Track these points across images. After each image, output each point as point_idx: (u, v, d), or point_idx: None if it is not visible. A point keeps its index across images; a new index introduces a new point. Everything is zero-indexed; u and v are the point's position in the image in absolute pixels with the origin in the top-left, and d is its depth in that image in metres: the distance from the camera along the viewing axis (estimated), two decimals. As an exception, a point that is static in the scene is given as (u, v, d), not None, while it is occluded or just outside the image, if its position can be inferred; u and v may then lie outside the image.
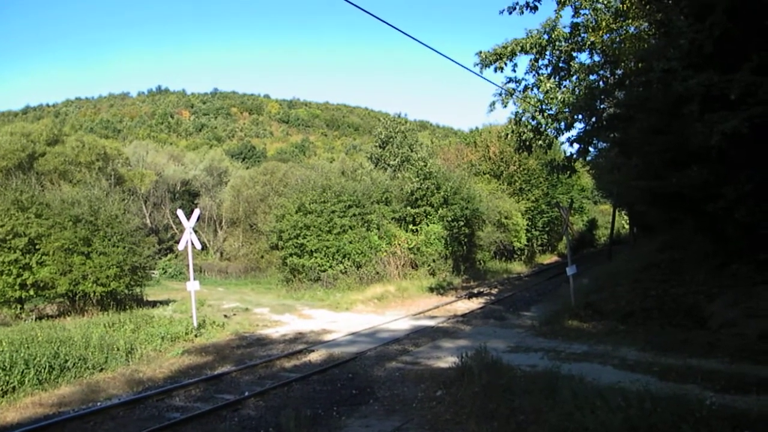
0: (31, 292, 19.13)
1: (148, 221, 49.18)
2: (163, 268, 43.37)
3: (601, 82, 16.71)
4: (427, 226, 29.96)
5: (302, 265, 27.64)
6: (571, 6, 16.37)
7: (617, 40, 15.80)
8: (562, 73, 17.45)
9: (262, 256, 44.19)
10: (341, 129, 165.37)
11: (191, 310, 16.48)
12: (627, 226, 50.21)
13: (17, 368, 10.52)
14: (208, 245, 51.50)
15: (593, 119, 16.91)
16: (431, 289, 25.65)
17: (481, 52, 17.30)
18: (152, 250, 22.93)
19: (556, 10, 16.69)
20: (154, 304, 21.53)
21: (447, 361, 11.10)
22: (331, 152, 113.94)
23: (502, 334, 14.41)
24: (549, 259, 47.62)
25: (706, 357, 10.15)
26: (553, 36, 16.81)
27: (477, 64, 17.34)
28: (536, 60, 17.55)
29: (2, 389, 10.08)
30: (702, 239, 16.30)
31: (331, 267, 27.25)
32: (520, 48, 17.13)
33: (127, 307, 19.51)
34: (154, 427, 8.02)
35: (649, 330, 12.89)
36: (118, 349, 12.73)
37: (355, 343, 14.37)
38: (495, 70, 17.38)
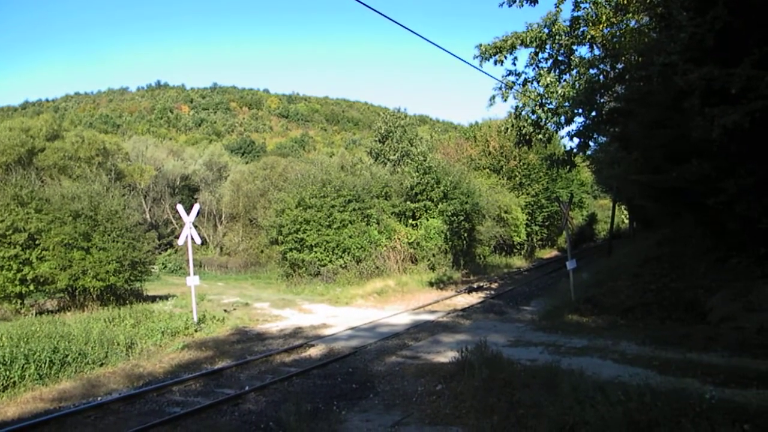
0: (31, 288, 19.14)
1: (147, 216, 49.17)
2: (162, 263, 43.41)
3: (601, 76, 16.68)
4: (427, 220, 29.96)
5: (302, 259, 27.64)
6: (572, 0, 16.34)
7: (618, 34, 15.77)
8: (562, 67, 17.42)
9: (262, 251, 44.14)
10: (341, 124, 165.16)
11: (191, 304, 16.49)
12: (627, 221, 50.23)
13: (17, 363, 10.54)
14: (207, 240, 51.51)
15: (593, 113, 16.89)
16: (431, 284, 25.67)
17: (481, 45, 17.26)
18: (152, 245, 22.92)
19: (556, 4, 16.68)
20: (154, 299, 21.54)
21: (447, 356, 11.10)
22: (330, 147, 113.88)
23: (502, 329, 14.42)
24: (549, 253, 47.64)
25: (706, 351, 10.16)
26: (553, 30, 16.77)
27: (476, 57, 17.30)
28: (536, 53, 17.52)
29: (3, 384, 10.10)
30: (702, 233, 16.29)
31: (330, 262, 27.25)
32: (520, 41, 17.10)
33: (127, 302, 19.52)
34: (154, 422, 8.03)
35: (649, 324, 12.90)
36: (118, 344, 12.74)
37: (355, 337, 14.38)
38: (495, 63, 17.36)
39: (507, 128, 19.99)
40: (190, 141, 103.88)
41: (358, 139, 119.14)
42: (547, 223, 45.51)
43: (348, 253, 27.34)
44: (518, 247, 42.33)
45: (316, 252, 27.33)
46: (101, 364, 11.75)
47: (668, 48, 11.59)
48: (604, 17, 15.68)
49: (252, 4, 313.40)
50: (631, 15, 15.34)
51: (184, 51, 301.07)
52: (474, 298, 21.89)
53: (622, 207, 46.07)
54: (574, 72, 17.21)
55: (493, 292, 23.96)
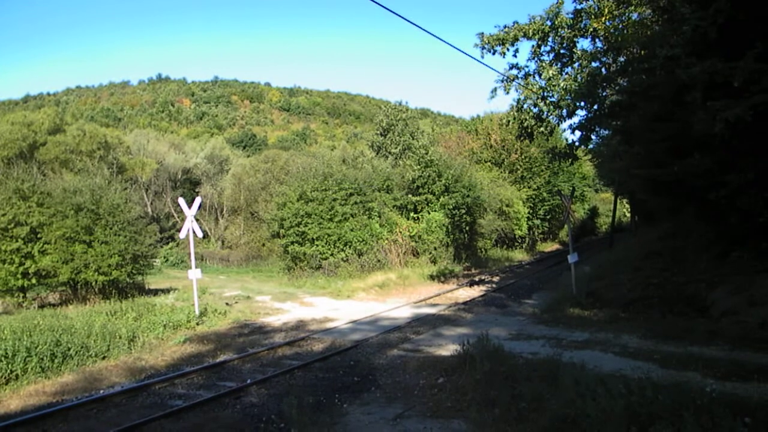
0: (34, 281, 19.17)
1: (149, 210, 49.22)
2: (164, 257, 43.40)
3: (603, 69, 16.60)
4: (429, 213, 29.95)
5: (304, 253, 27.66)
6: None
7: (620, 26, 15.69)
8: (565, 60, 17.34)
9: (264, 244, 44.23)
10: (342, 117, 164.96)
11: (193, 298, 16.51)
12: (628, 215, 50.21)
13: (20, 356, 10.56)
14: (209, 233, 51.59)
15: (595, 107, 16.81)
16: (432, 277, 25.66)
17: (483, 35, 17.12)
18: (154, 238, 22.90)
19: (558, -3, 16.57)
20: (155, 292, 21.57)
21: (448, 349, 11.11)
22: (332, 140, 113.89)
23: (503, 322, 14.44)
24: (550, 247, 47.60)
25: (707, 345, 10.17)
26: (555, 22, 16.69)
27: (477, 46, 17.17)
28: (538, 46, 17.43)
29: (5, 377, 10.13)
30: (703, 227, 16.27)
31: (332, 255, 27.27)
32: (522, 33, 17.01)
33: (129, 295, 19.54)
34: (156, 415, 8.05)
35: (650, 318, 12.91)
36: (120, 338, 12.76)
37: (357, 330, 14.40)
38: (495, 54, 17.25)
39: (509, 121, 19.92)
40: (191, 134, 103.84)
41: (360, 132, 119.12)
42: (548, 217, 45.47)
43: (349, 247, 27.35)
44: (520, 241, 42.35)
45: (317, 245, 27.35)
46: (103, 358, 11.78)
47: (671, 41, 11.54)
48: (606, 10, 15.60)
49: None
50: (633, 8, 15.26)
51: (186, 44, 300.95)
52: (475, 292, 21.89)
53: (624, 201, 46.05)
54: (576, 65, 17.14)
55: (494, 285, 23.95)
